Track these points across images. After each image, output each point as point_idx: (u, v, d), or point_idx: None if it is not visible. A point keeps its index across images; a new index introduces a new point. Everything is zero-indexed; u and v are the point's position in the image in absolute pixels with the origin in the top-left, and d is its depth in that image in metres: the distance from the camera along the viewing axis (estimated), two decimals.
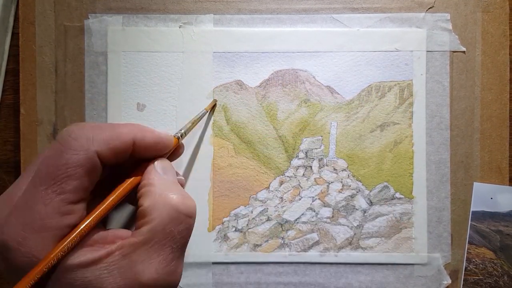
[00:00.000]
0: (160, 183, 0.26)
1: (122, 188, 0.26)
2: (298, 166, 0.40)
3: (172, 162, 0.29)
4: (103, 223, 0.26)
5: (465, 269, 0.39)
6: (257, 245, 0.40)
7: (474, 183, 0.40)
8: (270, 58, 0.40)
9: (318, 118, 0.40)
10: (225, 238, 0.40)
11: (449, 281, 0.39)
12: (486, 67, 0.40)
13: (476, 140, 0.40)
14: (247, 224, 0.40)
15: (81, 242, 0.23)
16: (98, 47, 0.40)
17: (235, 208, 0.40)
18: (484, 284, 0.39)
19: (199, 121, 0.37)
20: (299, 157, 0.40)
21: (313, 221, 0.40)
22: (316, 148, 0.40)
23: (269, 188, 0.40)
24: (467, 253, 0.39)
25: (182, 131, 0.32)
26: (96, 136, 0.24)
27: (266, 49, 0.40)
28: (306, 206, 0.40)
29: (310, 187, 0.40)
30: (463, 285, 0.39)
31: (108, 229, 0.25)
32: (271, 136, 0.40)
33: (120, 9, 0.40)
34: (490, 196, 0.39)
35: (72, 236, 0.22)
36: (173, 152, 0.30)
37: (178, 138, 0.31)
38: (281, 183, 0.40)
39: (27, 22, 0.40)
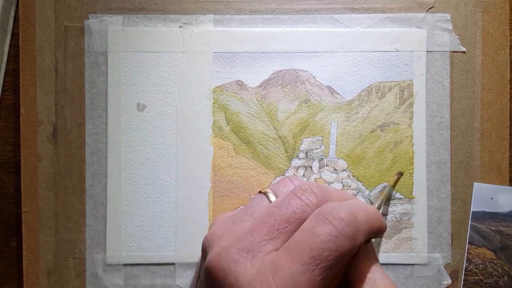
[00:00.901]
0: (378, 271, 0.26)
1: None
2: (298, 167, 0.40)
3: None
4: None
5: (465, 269, 0.39)
6: None
7: (474, 183, 0.40)
8: (270, 58, 0.40)
9: (318, 118, 0.40)
10: None
11: (449, 282, 0.39)
12: (486, 67, 0.40)
13: (477, 140, 0.40)
14: None
15: None
16: (98, 48, 0.40)
17: (235, 209, 0.40)
18: (484, 284, 0.39)
19: (386, 196, 0.38)
20: (299, 157, 0.40)
21: None
22: (316, 148, 0.40)
23: None
24: (467, 254, 0.39)
25: (379, 201, 0.33)
26: (362, 227, 0.24)
27: (266, 49, 0.40)
28: None
29: None
30: (463, 285, 0.39)
31: None
32: (271, 136, 0.40)
33: (120, 9, 0.40)
34: (490, 197, 0.39)
35: None
36: None
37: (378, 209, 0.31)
38: None
39: (27, 23, 0.40)
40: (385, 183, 0.40)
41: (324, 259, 0.22)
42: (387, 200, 0.39)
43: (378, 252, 0.40)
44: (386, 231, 0.40)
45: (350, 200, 0.27)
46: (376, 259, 0.27)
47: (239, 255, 0.23)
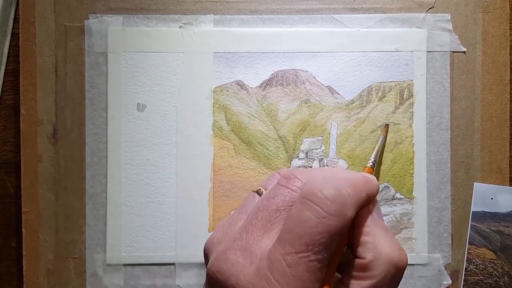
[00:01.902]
0: (378, 232, 0.26)
1: (342, 245, 0.26)
2: (299, 167, 0.40)
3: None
4: None
5: (465, 269, 0.39)
6: None
7: (475, 183, 0.40)
8: (270, 59, 0.40)
9: (319, 119, 0.40)
10: None
11: (450, 282, 0.39)
12: (487, 67, 0.40)
13: (477, 140, 0.40)
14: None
15: None
16: (98, 48, 0.40)
17: (236, 209, 0.40)
18: (485, 284, 0.39)
19: (381, 147, 0.38)
20: (300, 157, 0.40)
21: None
22: (316, 149, 0.40)
23: None
24: (467, 254, 0.39)
25: (372, 159, 0.32)
26: (349, 199, 0.24)
27: (267, 50, 0.40)
28: None
29: None
30: (463, 285, 0.39)
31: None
32: (272, 136, 0.40)
33: (120, 9, 0.40)
34: (490, 197, 0.39)
35: None
36: None
37: (372, 168, 0.31)
38: None
39: (27, 23, 0.40)
40: (385, 183, 0.40)
41: (316, 242, 0.22)
42: (382, 152, 0.38)
43: None
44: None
45: (334, 174, 0.27)
46: (376, 222, 0.26)
47: (237, 255, 0.24)
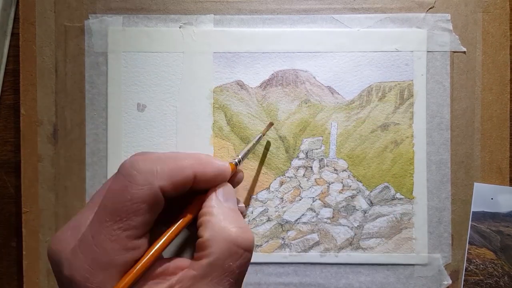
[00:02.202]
0: (220, 212, 0.26)
1: (182, 220, 0.26)
2: (299, 167, 0.40)
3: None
4: None
5: (465, 269, 0.39)
6: (257, 245, 0.40)
7: (475, 183, 0.40)
8: (270, 59, 0.40)
9: (319, 119, 0.40)
10: None
11: (450, 282, 0.39)
12: (487, 67, 0.40)
13: (477, 140, 0.40)
14: (248, 225, 0.40)
15: (145, 275, 0.23)
16: (99, 48, 0.40)
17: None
18: (485, 284, 0.39)
19: (256, 145, 0.37)
20: (300, 157, 0.40)
21: (313, 222, 0.40)
22: (316, 149, 0.40)
23: (269, 188, 0.40)
24: (467, 254, 0.39)
25: (240, 156, 0.32)
26: (160, 171, 0.24)
27: (267, 50, 0.40)
28: (306, 207, 0.40)
29: (310, 187, 0.40)
30: (463, 285, 0.39)
31: (168, 259, 0.25)
32: (272, 136, 0.40)
33: (120, 9, 0.40)
34: (490, 197, 0.39)
35: (136, 270, 0.23)
36: (232, 179, 0.30)
37: (236, 165, 0.31)
38: (282, 183, 0.40)
39: (27, 23, 0.40)
40: (386, 183, 0.40)
41: (118, 210, 0.23)
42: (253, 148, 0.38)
43: (379, 252, 0.40)
44: (387, 231, 0.40)
45: (171, 155, 0.27)
46: (221, 204, 0.27)
47: (67, 234, 0.24)
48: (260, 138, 0.38)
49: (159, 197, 0.24)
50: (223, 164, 0.28)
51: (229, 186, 0.28)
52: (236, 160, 0.31)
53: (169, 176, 0.24)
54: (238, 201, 0.29)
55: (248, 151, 0.35)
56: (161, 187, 0.24)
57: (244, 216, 0.31)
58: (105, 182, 0.27)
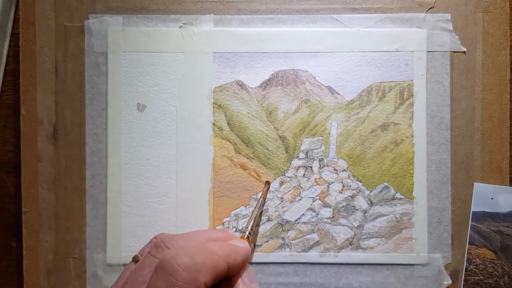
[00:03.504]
0: None
1: None
2: (299, 167, 0.40)
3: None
4: None
5: (465, 269, 0.39)
6: (257, 245, 0.40)
7: (475, 183, 0.40)
8: (270, 59, 0.40)
9: (319, 119, 0.40)
10: None
11: (450, 282, 0.39)
12: (487, 67, 0.40)
13: (477, 140, 0.40)
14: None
15: None
16: (98, 48, 0.40)
17: (236, 209, 0.40)
18: (485, 284, 0.39)
19: (260, 210, 0.38)
20: (300, 157, 0.40)
21: (313, 222, 0.40)
22: (316, 149, 0.40)
23: (269, 188, 0.40)
24: (467, 254, 0.39)
25: (249, 228, 0.33)
26: (202, 266, 0.25)
27: (267, 49, 0.40)
28: (306, 207, 0.40)
29: (310, 187, 0.40)
30: (463, 285, 0.39)
31: None
32: (272, 136, 0.40)
33: (120, 9, 0.40)
34: (490, 197, 0.39)
35: None
36: None
37: (248, 238, 0.31)
38: (282, 183, 0.40)
39: (27, 23, 0.40)
40: (386, 183, 0.40)
41: None
42: (260, 215, 0.39)
43: (378, 252, 0.40)
44: (386, 231, 0.40)
45: (199, 242, 0.28)
46: (248, 286, 0.28)
47: None
48: (262, 203, 0.38)
49: None
50: (245, 246, 0.29)
51: (249, 267, 0.29)
52: (247, 233, 0.32)
53: (211, 271, 0.25)
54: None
55: (255, 220, 0.36)
56: (206, 283, 0.24)
57: (253, 250, 0.32)
58: (127, 273, 0.27)
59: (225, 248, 0.27)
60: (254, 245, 0.35)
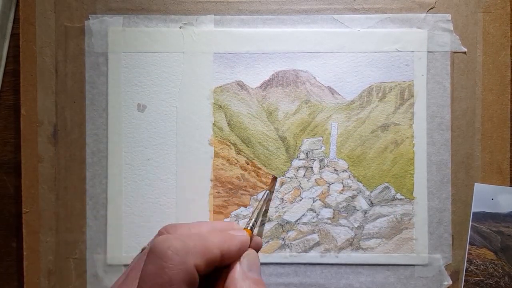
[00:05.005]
0: (245, 285, 0.27)
1: None
2: (299, 167, 0.40)
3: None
4: None
5: (466, 270, 0.39)
6: None
7: (475, 184, 0.40)
8: (270, 59, 0.40)
9: (319, 119, 0.40)
10: None
11: (450, 282, 0.39)
12: (487, 67, 0.40)
13: (477, 140, 0.40)
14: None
15: None
16: (99, 48, 0.40)
17: (236, 209, 0.40)
18: (485, 285, 0.39)
19: (266, 203, 0.37)
20: (300, 158, 0.40)
21: (313, 222, 0.40)
22: (316, 149, 0.40)
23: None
24: (468, 254, 0.39)
25: (253, 220, 0.33)
26: (193, 249, 0.25)
27: (267, 50, 0.40)
28: (306, 207, 0.40)
29: (310, 188, 0.40)
30: (464, 286, 0.39)
31: None
32: (272, 136, 0.40)
33: (120, 9, 0.40)
34: (491, 197, 0.39)
35: None
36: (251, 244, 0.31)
37: (251, 229, 0.31)
38: (282, 184, 0.40)
39: (27, 23, 0.40)
40: (386, 184, 0.40)
41: None
42: (266, 211, 0.39)
43: (379, 252, 0.40)
44: (387, 231, 0.40)
45: (200, 229, 0.28)
46: (245, 275, 0.27)
47: None
48: (267, 195, 0.38)
49: (195, 275, 0.24)
50: (243, 235, 0.29)
51: (252, 253, 0.29)
52: (251, 225, 0.32)
53: (202, 254, 0.25)
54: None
55: (259, 212, 0.35)
56: (196, 265, 0.24)
57: (260, 246, 0.32)
58: (134, 261, 0.28)
59: (220, 235, 0.27)
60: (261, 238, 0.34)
